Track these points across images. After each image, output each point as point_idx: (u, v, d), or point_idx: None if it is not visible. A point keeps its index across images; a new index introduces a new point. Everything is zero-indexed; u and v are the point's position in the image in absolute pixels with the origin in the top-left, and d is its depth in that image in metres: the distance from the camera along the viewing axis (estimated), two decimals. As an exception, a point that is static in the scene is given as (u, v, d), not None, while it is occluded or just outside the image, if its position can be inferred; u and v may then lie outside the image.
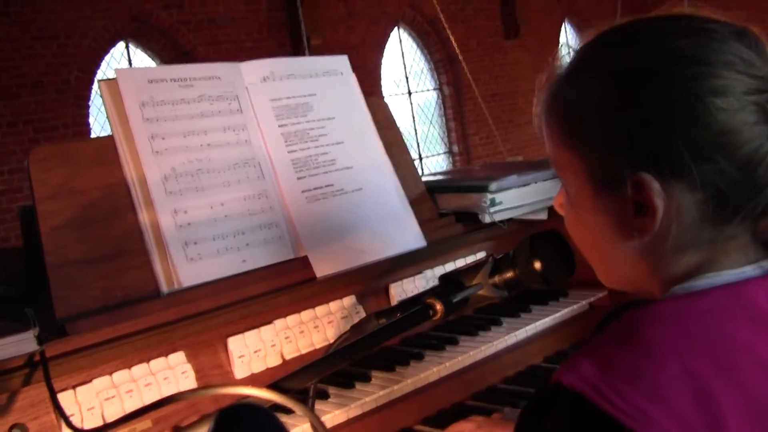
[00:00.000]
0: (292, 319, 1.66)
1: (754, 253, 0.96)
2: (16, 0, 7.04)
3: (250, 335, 1.59)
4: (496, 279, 1.24)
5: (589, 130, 0.97)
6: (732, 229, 0.95)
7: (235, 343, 1.57)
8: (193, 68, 1.73)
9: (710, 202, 0.93)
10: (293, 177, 1.75)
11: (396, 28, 9.92)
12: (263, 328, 1.61)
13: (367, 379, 1.61)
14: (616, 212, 0.96)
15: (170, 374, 1.49)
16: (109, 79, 1.64)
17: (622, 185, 0.94)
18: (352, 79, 1.94)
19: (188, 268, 1.58)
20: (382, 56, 9.58)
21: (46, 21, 7.17)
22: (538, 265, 1.20)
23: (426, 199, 1.97)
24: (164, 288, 1.57)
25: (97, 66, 7.59)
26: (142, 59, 8.10)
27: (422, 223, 1.88)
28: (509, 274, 1.23)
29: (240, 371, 1.57)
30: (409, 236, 1.84)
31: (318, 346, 1.66)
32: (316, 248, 1.70)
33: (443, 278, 1.28)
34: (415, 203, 1.91)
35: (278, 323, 1.63)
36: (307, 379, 1.09)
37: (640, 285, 1.00)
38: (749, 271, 0.94)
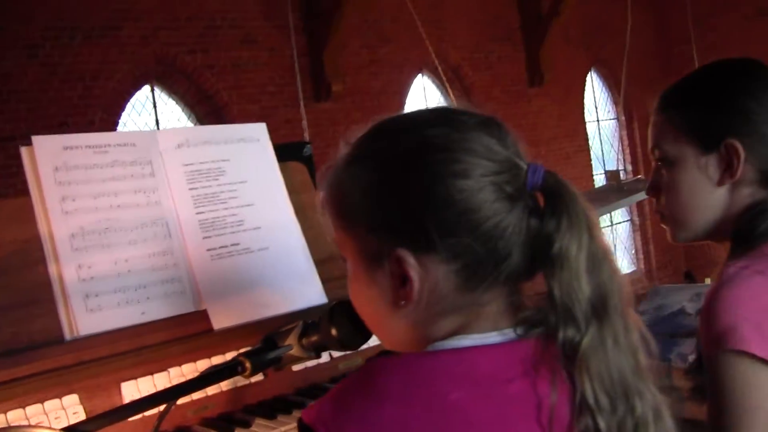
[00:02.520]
0: (187, 368, 1.81)
1: (503, 321, 1.08)
2: (46, 43, 7.33)
3: (144, 381, 1.75)
4: (304, 342, 1.39)
5: (357, 213, 1.11)
6: (483, 296, 1.08)
7: (128, 388, 1.73)
8: (110, 136, 1.92)
9: (461, 273, 1.06)
10: (199, 236, 1.91)
11: (419, 75, 10.06)
12: (157, 375, 1.77)
13: (247, 425, 1.76)
14: (385, 285, 1.10)
15: (62, 414, 1.65)
16: (29, 146, 1.83)
17: (385, 261, 1.08)
18: (268, 145, 2.10)
19: (88, 318, 1.74)
20: (404, 103, 9.72)
21: (73, 63, 7.45)
22: (334, 331, 1.34)
23: (335, 258, 2.12)
24: (67, 335, 1.73)
25: (122, 108, 7.84)
26: (166, 102, 8.35)
27: (327, 282, 2.03)
28: (314, 338, 1.38)
29: (131, 414, 1.72)
30: (312, 293, 1.99)
31: (210, 393, 1.81)
32: (216, 302, 1.86)
33: (264, 338, 1.43)
34: (323, 262, 2.06)
35: (173, 371, 1.79)
36: (105, 423, 1.25)
37: (416, 349, 1.11)
38: (492, 337, 1.07)
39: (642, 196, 5.62)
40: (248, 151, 2.06)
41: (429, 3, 9.67)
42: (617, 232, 12.57)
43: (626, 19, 8.62)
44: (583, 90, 12.21)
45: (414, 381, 1.03)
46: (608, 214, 10.99)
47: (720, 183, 1.54)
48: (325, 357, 1.94)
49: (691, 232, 1.60)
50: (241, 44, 8.40)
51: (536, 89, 11.21)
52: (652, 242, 12.70)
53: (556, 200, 1.07)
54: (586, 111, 12.29)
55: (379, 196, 1.09)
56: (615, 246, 12.70)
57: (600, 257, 1.08)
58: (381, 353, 1.11)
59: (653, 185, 1.63)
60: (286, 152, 2.39)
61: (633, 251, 12.99)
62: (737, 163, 1.51)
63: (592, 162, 12.16)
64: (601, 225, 9.82)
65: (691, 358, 1.45)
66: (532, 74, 11.16)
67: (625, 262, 13.00)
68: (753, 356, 1.34)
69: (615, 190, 5.99)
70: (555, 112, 11.39)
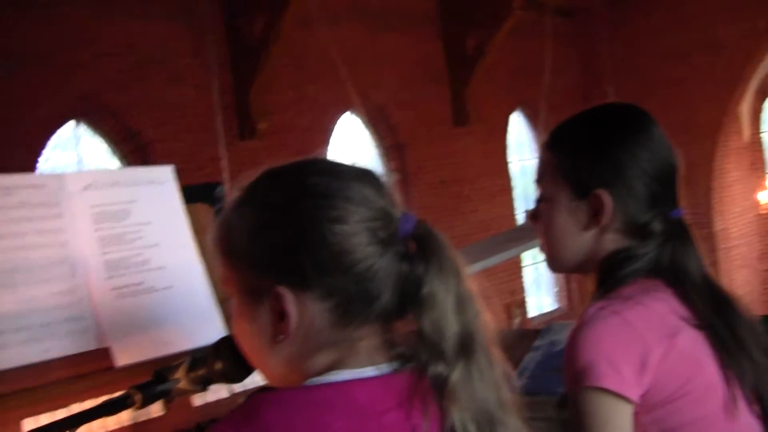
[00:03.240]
0: (90, 404, 1.86)
1: (378, 356, 1.18)
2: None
3: (46, 417, 1.79)
4: (192, 375, 1.46)
5: (242, 251, 1.21)
6: (357, 332, 1.17)
7: (28, 424, 1.77)
8: (18, 178, 1.97)
9: (335, 310, 1.17)
10: (104, 275, 1.96)
11: (346, 113, 10.13)
12: (59, 411, 1.81)
13: (147, 459, 1.81)
14: (265, 321, 1.19)
15: (-41, 449, 1.69)
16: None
17: (266, 297, 1.17)
18: (174, 187, 2.17)
19: (-10, 355, 1.79)
20: (329, 142, 9.80)
21: (-7, 98, 7.36)
22: (218, 365, 1.42)
23: (237, 296, 2.19)
24: (-30, 373, 1.78)
25: (44, 146, 7.73)
26: (90, 140, 8.30)
27: (230, 319, 2.09)
28: (201, 372, 1.45)
29: (30, 449, 1.76)
30: (213, 331, 2.05)
31: (111, 429, 1.85)
32: (119, 340, 1.91)
33: (154, 371, 1.50)
34: (227, 300, 2.12)
35: (75, 407, 1.83)
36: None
37: (295, 383, 1.20)
38: (368, 371, 1.16)
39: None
40: (155, 192, 2.13)
41: (355, 43, 9.80)
42: (540, 270, 12.75)
43: (549, 60, 8.84)
44: (506, 130, 12.41)
45: (295, 414, 1.11)
46: (531, 252, 11.18)
47: (587, 228, 1.66)
48: (224, 392, 2.00)
49: (560, 265, 1.75)
50: (167, 81, 8.40)
51: (461, 129, 11.35)
52: (574, 280, 12.92)
53: (425, 247, 1.18)
54: (510, 150, 12.49)
55: (263, 236, 1.19)
56: (538, 284, 12.90)
57: (466, 299, 1.19)
58: (262, 388, 1.19)
59: (533, 214, 1.75)
60: (196, 193, 2.45)
61: (556, 289, 13.19)
62: (603, 212, 1.63)
63: (516, 201, 12.35)
64: (525, 263, 9.96)
65: (561, 393, 1.55)
66: (457, 114, 11.30)
67: (548, 300, 13.20)
68: (609, 392, 1.45)
69: (532, 229, 6.13)
70: (479, 151, 11.55)
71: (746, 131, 15.09)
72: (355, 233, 1.16)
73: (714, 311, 1.60)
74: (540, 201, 1.72)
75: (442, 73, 11.30)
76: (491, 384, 1.19)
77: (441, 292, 1.17)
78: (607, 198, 1.63)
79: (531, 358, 2.76)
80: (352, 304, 1.16)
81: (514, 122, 12.63)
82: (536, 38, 10.51)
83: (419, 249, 1.18)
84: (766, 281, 15.28)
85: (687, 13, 12.86)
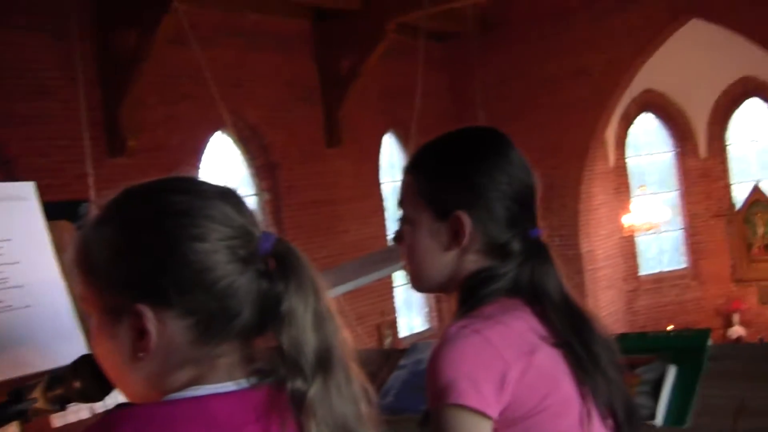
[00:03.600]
0: (-59, 427, 1.79)
1: (237, 372, 1.18)
2: None
3: None
4: (49, 394, 1.43)
5: (101, 270, 1.19)
6: (217, 349, 1.17)
7: None
8: None
9: (195, 328, 1.17)
10: (-41, 294, 1.90)
11: (218, 132, 10.03)
12: None
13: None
14: (125, 338, 1.18)
15: None
16: None
17: (125, 315, 1.16)
18: (36, 203, 2.12)
19: None
20: (201, 160, 9.69)
21: None
22: (77, 384, 1.40)
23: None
24: None
25: None
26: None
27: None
28: (59, 391, 1.43)
29: None
30: (75, 350, 1.99)
31: (-34, 452, 1.80)
32: (-27, 361, 1.85)
33: (10, 391, 1.47)
34: (89, 318, 2.08)
35: (-74, 430, 1.77)
36: None
37: (155, 400, 1.19)
38: (227, 386, 1.16)
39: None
40: (15, 209, 2.07)
41: (228, 62, 9.73)
42: (411, 290, 12.81)
43: (420, 83, 8.95)
44: (379, 151, 12.50)
45: (151, 429, 1.10)
46: (402, 273, 11.25)
47: (448, 249, 1.69)
48: (85, 412, 1.96)
49: (422, 285, 1.77)
50: (32, 95, 8.16)
51: (334, 149, 11.36)
52: (444, 300, 13.03)
53: (285, 264, 1.20)
54: (382, 172, 12.57)
55: (122, 255, 1.17)
56: (409, 304, 13.00)
57: (325, 316, 1.21)
58: (120, 405, 1.17)
59: (397, 236, 1.77)
60: (60, 210, 2.39)
61: (426, 309, 13.32)
62: (464, 233, 1.67)
63: (388, 222, 12.42)
64: (396, 283, 10.01)
65: (424, 410, 1.57)
66: (330, 135, 11.31)
67: (418, 320, 13.31)
68: (470, 409, 1.48)
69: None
70: (352, 172, 11.60)
71: (612, 156, 15.68)
72: (216, 251, 1.16)
73: (571, 329, 1.64)
74: (403, 223, 1.75)
75: (315, 94, 11.30)
76: (349, 399, 1.21)
77: (300, 309, 1.18)
78: (466, 219, 1.66)
79: (396, 377, 2.79)
80: (213, 321, 1.17)
81: (387, 144, 12.71)
82: (409, 62, 10.61)
83: (278, 267, 1.20)
84: (630, 301, 15.84)
85: (557, 41, 13.24)
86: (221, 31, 9.80)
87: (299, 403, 1.16)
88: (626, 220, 14.65)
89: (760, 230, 15.61)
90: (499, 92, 13.42)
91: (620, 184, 15.85)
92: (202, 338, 1.17)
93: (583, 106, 13.38)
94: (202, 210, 1.19)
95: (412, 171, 1.75)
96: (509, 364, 1.52)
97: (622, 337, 2.68)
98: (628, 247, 15.92)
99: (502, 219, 1.68)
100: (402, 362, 2.85)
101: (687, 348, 2.51)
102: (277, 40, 10.67)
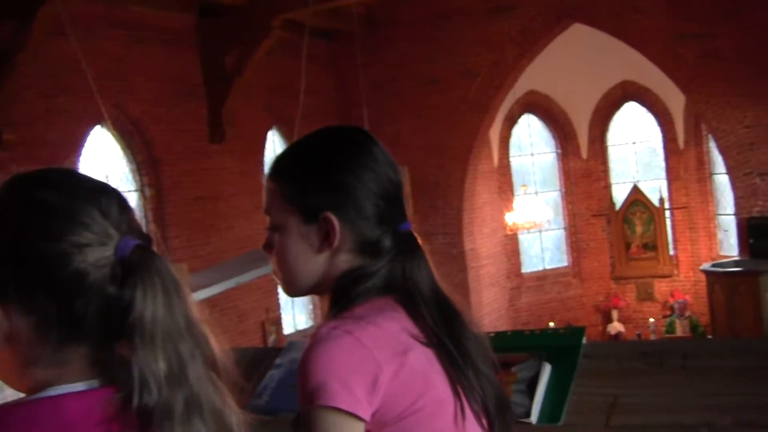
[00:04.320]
0: None
1: (89, 374, 1.15)
2: None
3: None
4: None
5: None
6: (67, 351, 1.15)
7: None
8: None
9: (39, 326, 1.13)
10: None
11: (98, 126, 9.79)
12: None
13: None
14: None
15: None
16: None
17: None
18: None
19: None
20: (81, 154, 9.45)
21: None
22: None
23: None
24: None
25: None
26: None
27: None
28: None
29: None
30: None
31: None
32: None
33: None
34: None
35: None
36: None
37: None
38: (79, 386, 1.14)
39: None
40: None
41: (110, 55, 9.53)
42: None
43: (304, 80, 8.91)
44: (264, 148, 12.41)
45: (10, 431, 1.07)
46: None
47: (320, 251, 1.69)
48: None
49: (296, 290, 1.76)
50: None
51: (218, 146, 11.22)
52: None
53: (137, 273, 1.16)
54: (266, 168, 12.40)
55: None
56: (293, 302, 12.95)
57: (180, 326, 1.18)
58: None
59: (267, 244, 1.75)
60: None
61: (310, 307, 13.29)
62: (334, 234, 1.67)
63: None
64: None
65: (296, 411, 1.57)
66: (213, 131, 11.15)
67: (302, 317, 13.29)
68: (341, 411, 1.48)
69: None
70: (236, 168, 11.46)
71: (496, 156, 15.95)
72: (67, 254, 1.13)
73: (443, 326, 1.65)
74: (272, 230, 1.73)
75: (199, 90, 11.12)
76: (211, 411, 1.19)
77: (148, 320, 1.15)
78: (335, 220, 1.66)
79: (272, 376, 2.76)
80: (55, 322, 1.14)
81: (271, 140, 12.63)
82: (295, 58, 10.54)
83: (131, 275, 1.16)
84: (513, 298, 16.12)
85: (443, 41, 13.37)
86: (103, 24, 9.57)
87: (145, 417, 1.13)
88: (509, 219, 14.88)
89: (639, 229, 16.13)
90: (386, 91, 13.47)
91: (504, 183, 16.13)
92: (47, 338, 1.15)
93: (468, 106, 13.54)
94: (62, 209, 1.16)
95: (275, 177, 1.74)
96: (381, 365, 1.52)
97: (499, 336, 2.76)
98: (511, 246, 16.22)
99: (371, 216, 1.68)
100: (278, 361, 2.82)
101: (562, 346, 2.55)
102: (162, 34, 10.47)
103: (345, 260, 1.69)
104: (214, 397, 1.20)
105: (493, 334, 2.55)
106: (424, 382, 1.58)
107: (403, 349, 1.57)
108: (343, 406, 1.48)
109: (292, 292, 1.77)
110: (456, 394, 1.61)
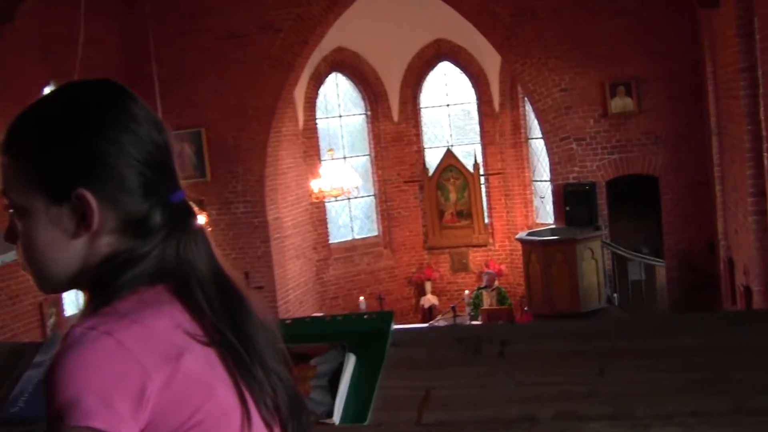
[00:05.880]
0: None
1: None
2: None
3: None
4: None
5: None
6: None
7: None
8: None
9: None
10: None
11: None
12: None
13: None
14: None
15: None
16: None
17: None
18: None
19: None
20: None
21: None
22: None
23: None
24: None
25: None
26: None
27: None
28: None
29: None
30: None
31: None
32: None
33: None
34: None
35: None
36: None
37: None
38: None
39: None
40: None
41: None
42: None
43: (83, 30, 8.29)
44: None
45: None
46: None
47: (76, 236, 1.44)
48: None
49: (52, 285, 1.50)
50: None
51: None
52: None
53: None
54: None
55: None
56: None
57: None
58: None
59: (9, 233, 1.48)
60: None
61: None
62: (91, 214, 1.41)
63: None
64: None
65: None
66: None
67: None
68: (99, 431, 1.26)
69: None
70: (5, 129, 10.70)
71: (301, 118, 15.37)
72: None
73: (225, 316, 1.47)
74: (12, 215, 1.46)
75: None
76: None
77: None
78: (90, 197, 1.41)
79: (28, 379, 2.39)
80: None
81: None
82: (74, 5, 9.85)
83: None
84: (320, 271, 15.62)
85: (242, -8, 12.77)
86: None
87: None
88: (315, 186, 14.05)
89: (453, 196, 15.94)
90: (179, 46, 12.76)
91: (309, 147, 15.51)
92: None
93: (270, 63, 12.99)
94: None
95: (9, 150, 1.44)
96: (149, 372, 1.32)
97: (296, 323, 2.56)
98: (317, 214, 15.65)
99: (135, 188, 1.44)
100: (37, 359, 2.41)
101: (368, 333, 2.32)
102: None
103: (107, 243, 1.44)
104: None
105: (289, 321, 2.42)
106: (203, 390, 1.38)
107: (177, 352, 1.37)
108: (102, 426, 1.26)
109: (47, 288, 1.50)
110: (242, 400, 1.43)
